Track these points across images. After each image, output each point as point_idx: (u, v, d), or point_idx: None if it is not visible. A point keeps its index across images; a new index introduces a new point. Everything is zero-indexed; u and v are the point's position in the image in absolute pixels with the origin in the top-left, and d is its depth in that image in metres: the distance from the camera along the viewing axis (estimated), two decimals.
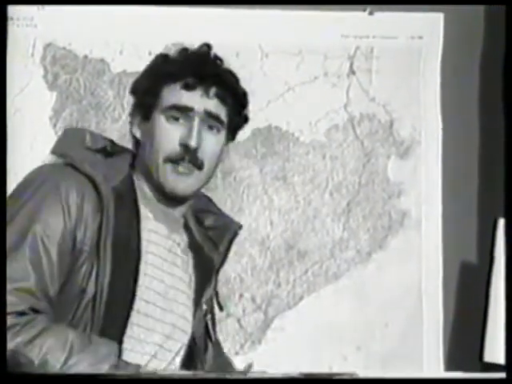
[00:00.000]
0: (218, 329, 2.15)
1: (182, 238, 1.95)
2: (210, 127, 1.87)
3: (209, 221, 1.99)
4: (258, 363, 2.37)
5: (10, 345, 1.70)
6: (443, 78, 2.65)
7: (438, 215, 2.66)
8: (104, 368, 1.69)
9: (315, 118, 2.64)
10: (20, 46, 2.46)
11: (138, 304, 1.82)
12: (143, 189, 1.90)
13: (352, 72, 2.64)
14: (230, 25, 2.55)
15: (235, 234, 2.05)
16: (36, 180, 1.82)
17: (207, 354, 1.98)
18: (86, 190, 1.80)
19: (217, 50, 2.37)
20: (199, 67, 1.89)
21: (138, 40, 2.52)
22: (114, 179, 1.85)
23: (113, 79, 2.52)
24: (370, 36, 2.63)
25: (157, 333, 1.85)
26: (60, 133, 1.93)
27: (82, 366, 1.70)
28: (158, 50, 2.35)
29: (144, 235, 1.87)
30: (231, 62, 2.45)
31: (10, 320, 1.72)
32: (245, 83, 2.45)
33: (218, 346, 2.05)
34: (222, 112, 1.88)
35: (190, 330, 1.94)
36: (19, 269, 1.74)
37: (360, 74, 2.64)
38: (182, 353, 1.92)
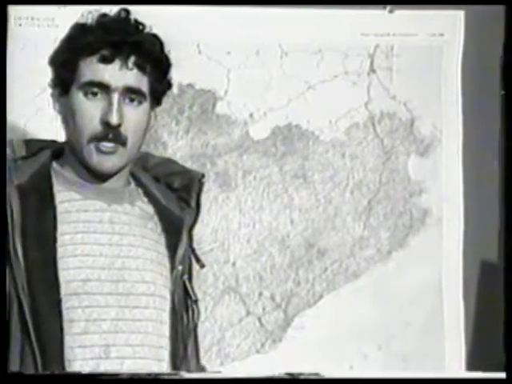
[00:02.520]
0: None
1: (140, 206, 1.92)
2: (131, 100, 1.83)
3: (177, 182, 1.98)
4: (278, 362, 2.60)
5: None
6: (464, 75, 2.64)
7: (459, 213, 2.65)
8: None
9: (336, 116, 2.63)
10: (42, 47, 2.44)
11: (72, 287, 1.79)
12: (64, 173, 1.87)
13: (372, 70, 2.63)
14: (249, 23, 2.56)
15: (201, 185, 2.04)
16: None
17: (189, 315, 1.97)
18: None
19: (236, 48, 2.55)
20: (116, 35, 1.83)
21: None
22: (20, 177, 1.81)
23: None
24: (390, 34, 2.62)
25: (112, 307, 1.83)
26: None
27: None
28: (177, 49, 2.35)
29: (70, 218, 1.82)
30: (251, 61, 2.57)
31: None
32: (265, 82, 2.58)
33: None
34: (142, 83, 1.84)
35: (168, 290, 1.92)
36: None
37: (380, 72, 2.63)
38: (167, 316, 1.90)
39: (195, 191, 2.04)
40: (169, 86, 1.95)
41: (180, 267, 1.96)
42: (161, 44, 1.89)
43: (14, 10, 2.40)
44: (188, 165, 2.48)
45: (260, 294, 2.60)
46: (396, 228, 2.65)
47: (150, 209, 1.96)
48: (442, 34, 2.62)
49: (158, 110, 2.40)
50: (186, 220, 2.03)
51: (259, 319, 2.59)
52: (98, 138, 1.81)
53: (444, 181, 2.66)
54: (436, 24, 2.63)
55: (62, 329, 1.78)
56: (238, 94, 2.58)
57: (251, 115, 2.59)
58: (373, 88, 2.63)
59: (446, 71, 2.64)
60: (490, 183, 2.64)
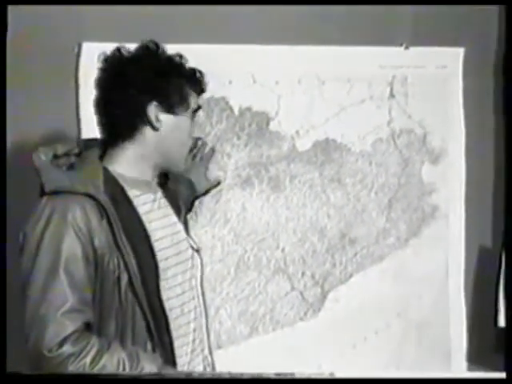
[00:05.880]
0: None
1: (158, 192, 2.05)
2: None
3: None
4: (317, 328, 2.74)
5: (71, 371, 1.75)
6: (465, 99, 2.77)
7: (461, 209, 2.80)
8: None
9: (363, 132, 2.74)
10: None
11: (162, 264, 1.93)
12: (122, 174, 1.95)
13: (392, 96, 2.72)
14: (293, 59, 2.65)
15: None
16: (42, 215, 1.84)
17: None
18: (86, 206, 1.84)
19: (283, 78, 2.66)
20: (198, 73, 2.02)
21: (220, 72, 2.59)
22: (100, 183, 1.88)
23: (203, 103, 2.41)
24: (404, 66, 2.71)
25: (180, 274, 1.98)
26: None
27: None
28: (236, 79, 2.64)
29: (140, 210, 1.94)
30: (296, 88, 2.67)
31: (66, 348, 1.76)
32: (307, 105, 2.69)
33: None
34: None
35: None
36: (60, 295, 1.79)
37: (399, 97, 2.73)
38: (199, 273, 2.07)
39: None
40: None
41: (183, 226, 2.10)
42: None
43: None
44: (246, 171, 2.69)
45: (303, 274, 2.71)
46: (411, 221, 2.77)
47: (162, 191, 2.08)
48: (445, 67, 2.73)
49: (223, 128, 2.65)
50: (179, 191, 2.16)
51: (302, 294, 2.72)
52: (191, 149, 2.08)
53: (450, 183, 2.79)
54: (441, 58, 2.73)
55: (165, 314, 1.93)
56: (287, 115, 2.68)
57: (297, 132, 2.70)
58: (393, 110, 2.73)
59: (451, 96, 2.75)
60: (486, 186, 2.81)
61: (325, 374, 1.70)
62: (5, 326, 1.82)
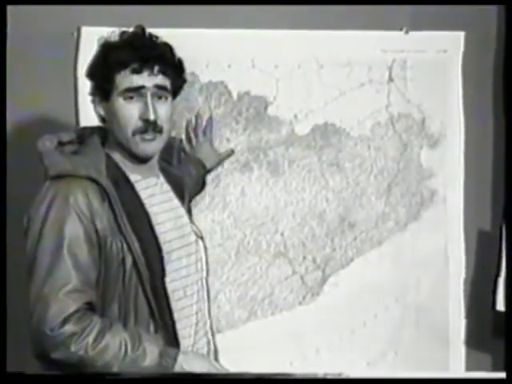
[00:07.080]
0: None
1: (160, 177, 2.06)
2: (160, 97, 1.94)
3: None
4: (316, 312, 2.75)
5: (74, 351, 1.76)
6: (464, 83, 2.78)
7: (460, 193, 2.83)
8: (147, 365, 1.80)
9: (362, 116, 2.75)
10: None
11: (166, 246, 1.96)
12: (124, 160, 1.98)
13: (391, 79, 2.73)
14: (293, 43, 2.68)
15: (180, 146, 2.21)
16: (45, 198, 1.86)
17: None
18: (88, 189, 1.87)
19: (282, 63, 2.68)
20: (142, 51, 1.92)
21: (219, 57, 2.64)
22: (102, 168, 1.91)
23: (201, 87, 2.65)
24: (405, 50, 2.73)
25: (184, 258, 2.01)
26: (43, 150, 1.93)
27: (133, 367, 1.79)
28: (236, 64, 2.66)
29: (142, 195, 1.97)
30: (294, 72, 2.69)
31: (68, 328, 1.78)
32: (306, 89, 2.69)
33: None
34: (166, 82, 1.96)
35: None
36: (63, 276, 1.81)
37: (398, 81, 2.75)
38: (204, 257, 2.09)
39: (177, 154, 2.19)
40: (184, 82, 2.03)
41: (187, 209, 2.13)
42: (172, 50, 1.98)
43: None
44: (245, 156, 2.70)
45: (304, 258, 2.72)
46: (410, 205, 2.79)
47: (165, 177, 2.09)
48: (445, 51, 2.75)
49: (222, 112, 2.66)
50: (183, 177, 2.16)
51: (302, 277, 2.73)
52: (140, 132, 1.93)
53: (448, 168, 2.81)
54: (441, 42, 2.75)
55: (167, 295, 1.95)
56: (285, 99, 2.69)
57: (295, 116, 2.71)
58: (392, 94, 2.74)
59: (450, 80, 2.77)
60: (484, 170, 2.83)
61: (329, 374, 1.70)
62: (5, 326, 1.85)
